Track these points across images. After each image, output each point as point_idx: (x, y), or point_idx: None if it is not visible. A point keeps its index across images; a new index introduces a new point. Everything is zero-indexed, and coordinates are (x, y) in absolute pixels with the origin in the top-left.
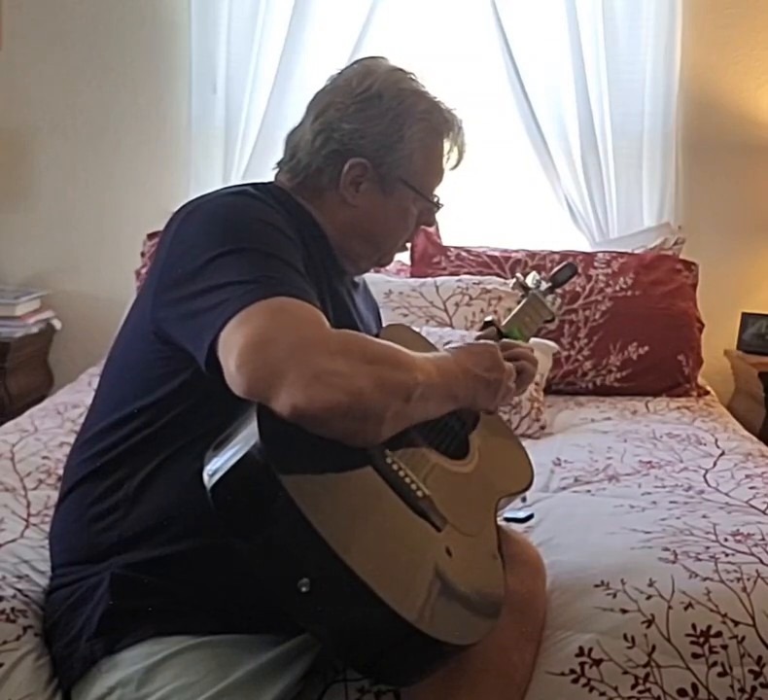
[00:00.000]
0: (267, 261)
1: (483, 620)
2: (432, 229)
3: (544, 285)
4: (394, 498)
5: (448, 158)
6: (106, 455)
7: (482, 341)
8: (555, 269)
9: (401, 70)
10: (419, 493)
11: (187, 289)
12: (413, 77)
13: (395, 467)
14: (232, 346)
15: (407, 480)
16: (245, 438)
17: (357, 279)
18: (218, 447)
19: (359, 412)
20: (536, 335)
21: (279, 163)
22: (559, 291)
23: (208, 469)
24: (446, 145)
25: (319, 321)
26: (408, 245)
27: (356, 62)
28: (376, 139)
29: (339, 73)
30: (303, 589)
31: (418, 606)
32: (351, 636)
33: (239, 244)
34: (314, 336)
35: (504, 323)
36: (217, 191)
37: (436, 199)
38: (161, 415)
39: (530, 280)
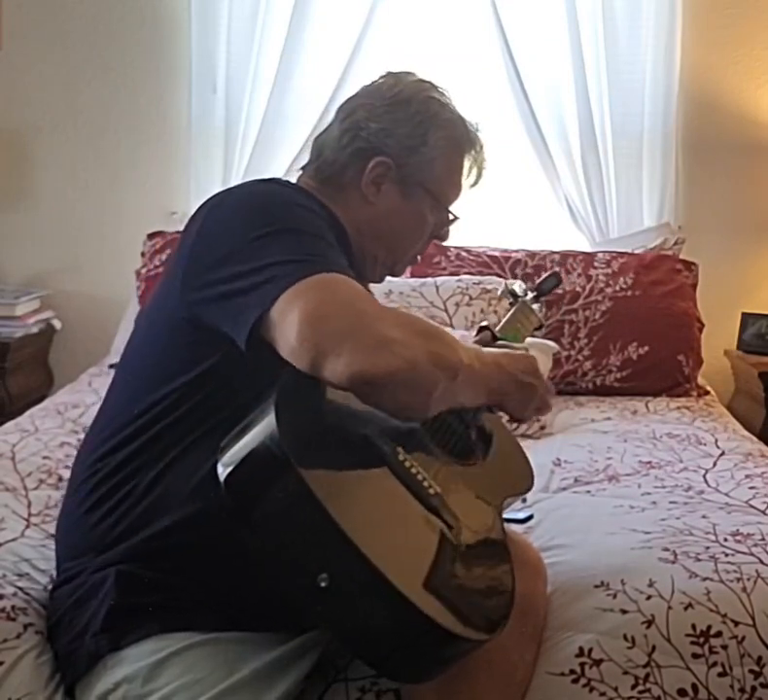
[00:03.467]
0: (311, 241)
1: (496, 617)
2: None
3: (530, 294)
4: (407, 494)
5: (467, 175)
6: (119, 451)
7: (522, 352)
8: (540, 279)
9: (430, 82)
10: (431, 490)
11: (225, 271)
12: (442, 90)
13: (407, 464)
14: (290, 322)
15: (419, 477)
16: (261, 430)
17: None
18: (233, 440)
19: (414, 382)
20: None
21: (303, 167)
22: (543, 300)
23: (222, 461)
24: (467, 161)
25: (371, 296)
26: (419, 258)
27: (387, 73)
28: (401, 140)
29: (370, 83)
30: (323, 584)
31: (435, 600)
32: (369, 631)
33: (282, 225)
34: (372, 308)
35: (497, 328)
36: (243, 183)
37: (451, 212)
38: (175, 407)
39: (517, 288)
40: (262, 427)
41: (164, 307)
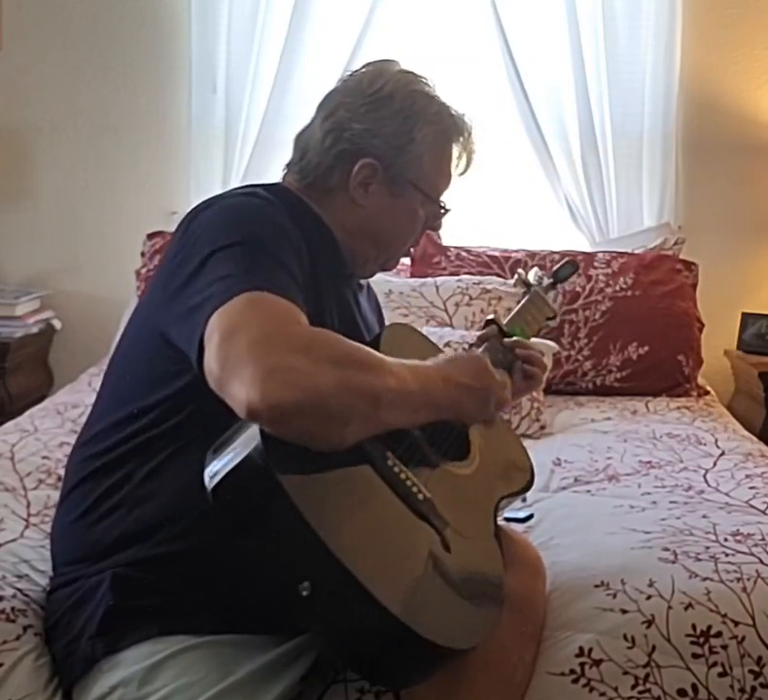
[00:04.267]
0: (257, 256)
1: (482, 624)
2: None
3: (546, 281)
4: (395, 500)
5: (457, 164)
6: (110, 453)
7: (470, 352)
8: (557, 266)
9: (412, 73)
10: (420, 495)
11: (187, 287)
12: (425, 80)
13: (396, 469)
14: (210, 343)
15: (408, 483)
16: (246, 441)
17: (362, 282)
18: (218, 449)
19: (319, 412)
20: (536, 335)
21: (288, 165)
22: (560, 288)
23: (209, 470)
24: (455, 150)
25: (290, 317)
26: (412, 250)
27: (367, 64)
28: (387, 140)
29: (350, 74)
30: (304, 593)
31: (418, 610)
32: (351, 639)
33: (233, 239)
34: (278, 332)
35: (506, 321)
36: (229, 190)
37: (443, 204)
38: (166, 415)
39: (531, 276)
40: (247, 437)
41: (148, 316)
